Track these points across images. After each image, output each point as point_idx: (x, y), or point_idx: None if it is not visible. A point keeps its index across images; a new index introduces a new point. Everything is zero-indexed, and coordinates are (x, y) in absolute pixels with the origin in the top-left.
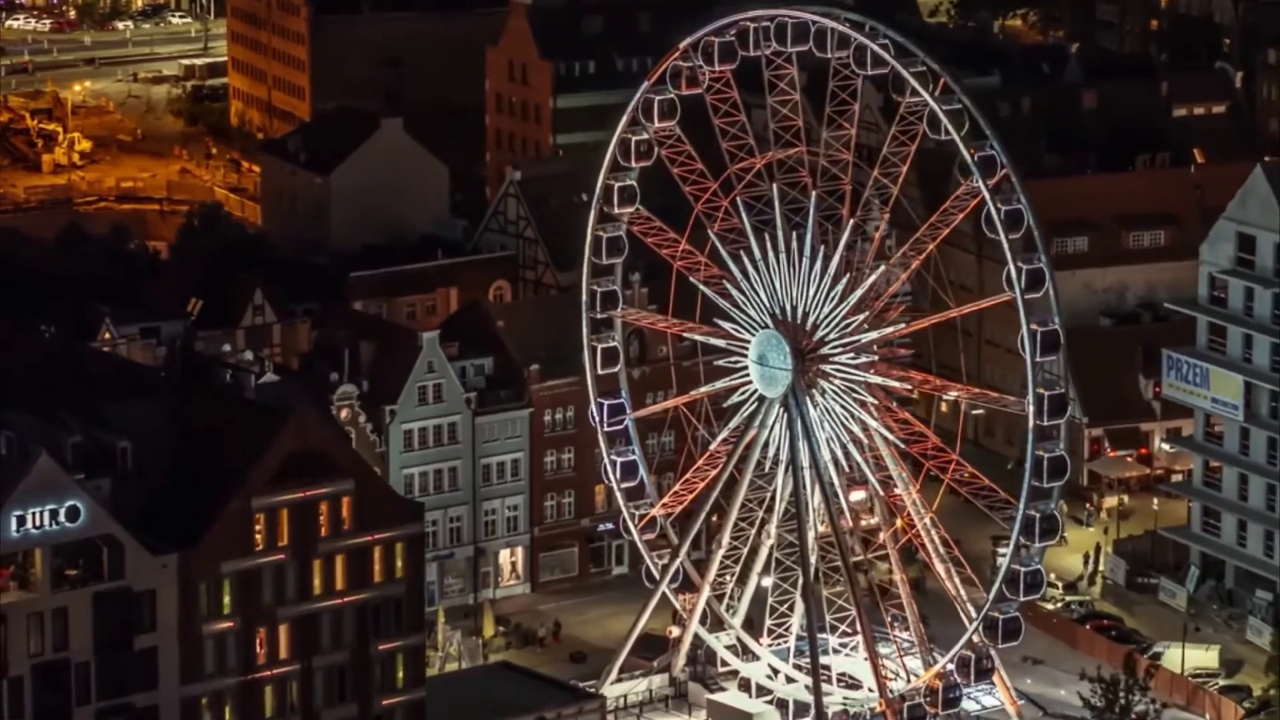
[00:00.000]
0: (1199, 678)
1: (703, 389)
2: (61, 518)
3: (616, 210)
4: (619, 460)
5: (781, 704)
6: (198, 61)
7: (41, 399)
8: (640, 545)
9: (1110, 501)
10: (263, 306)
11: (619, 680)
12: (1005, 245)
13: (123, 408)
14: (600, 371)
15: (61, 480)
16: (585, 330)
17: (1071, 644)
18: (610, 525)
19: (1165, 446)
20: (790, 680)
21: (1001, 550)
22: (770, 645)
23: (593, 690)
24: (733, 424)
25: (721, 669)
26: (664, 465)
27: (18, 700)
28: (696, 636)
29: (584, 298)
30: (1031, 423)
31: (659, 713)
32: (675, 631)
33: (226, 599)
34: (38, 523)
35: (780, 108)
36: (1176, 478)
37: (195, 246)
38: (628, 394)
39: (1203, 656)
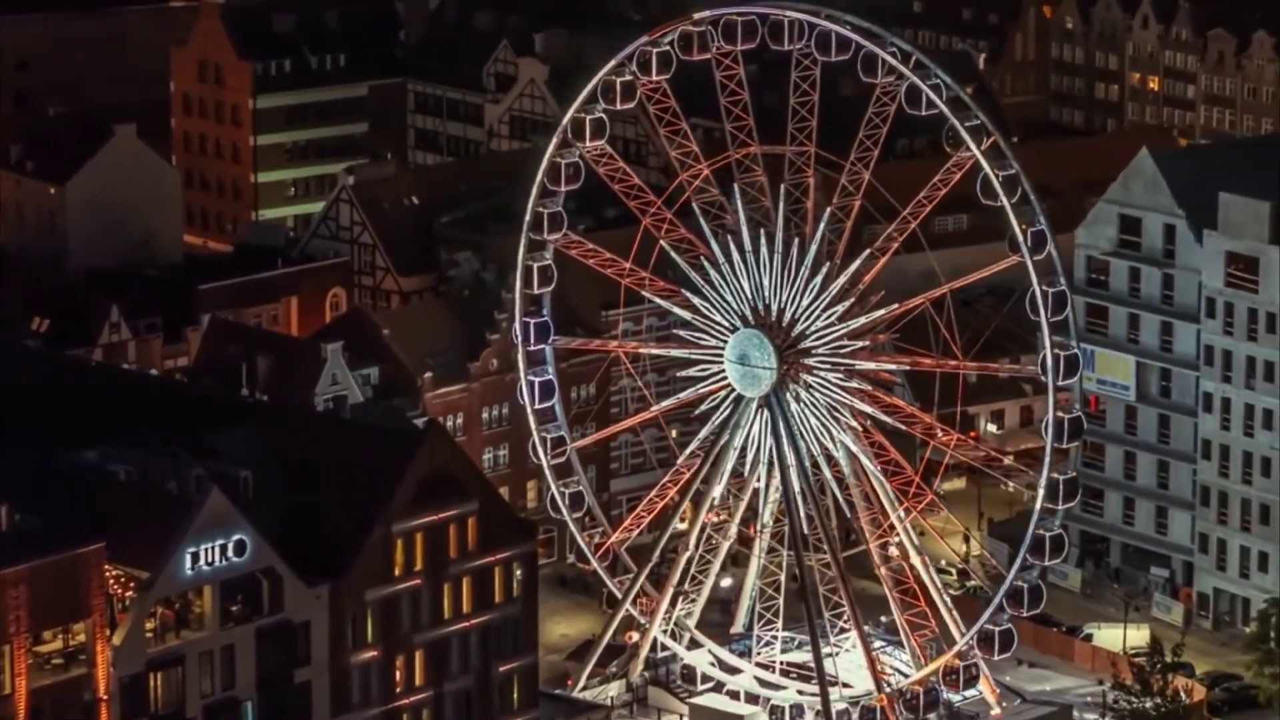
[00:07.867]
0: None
1: (655, 349)
2: (230, 553)
3: (588, 144)
4: (536, 380)
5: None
6: None
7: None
8: (547, 470)
9: (952, 485)
10: (119, 323)
11: (585, 688)
12: (1044, 328)
13: (225, 436)
14: (537, 290)
15: (230, 515)
16: (521, 249)
17: None
18: None
19: (992, 428)
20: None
21: None
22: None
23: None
24: (683, 396)
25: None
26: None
27: None
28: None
29: (528, 218)
30: (1040, 505)
31: (624, 719)
32: (634, 637)
33: (369, 627)
34: (209, 559)
35: (800, 108)
36: (1007, 459)
37: None
38: (551, 315)
39: (1135, 635)
